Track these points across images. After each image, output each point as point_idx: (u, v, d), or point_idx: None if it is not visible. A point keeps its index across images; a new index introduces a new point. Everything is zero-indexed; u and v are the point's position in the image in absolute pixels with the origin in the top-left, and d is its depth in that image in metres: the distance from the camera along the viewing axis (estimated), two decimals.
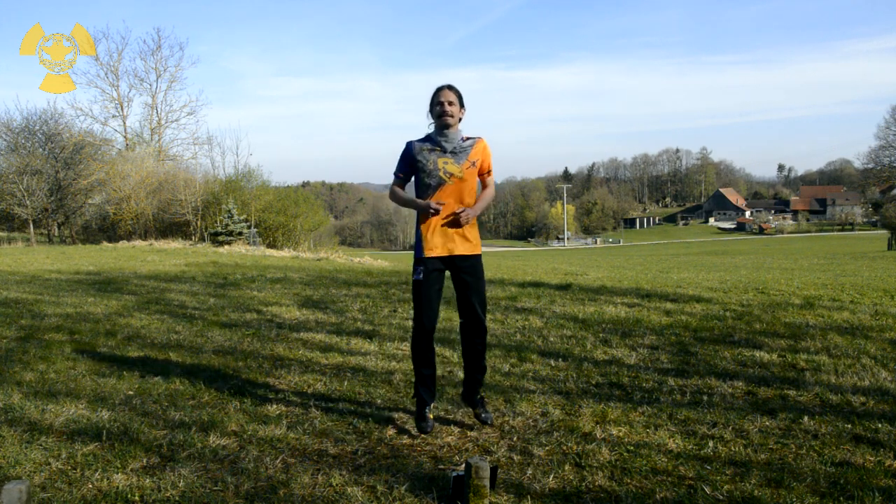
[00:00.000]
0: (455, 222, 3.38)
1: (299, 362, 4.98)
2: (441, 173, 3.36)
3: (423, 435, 3.40)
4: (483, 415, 3.54)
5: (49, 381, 4.43)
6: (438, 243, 3.39)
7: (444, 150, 3.38)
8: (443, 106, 3.35)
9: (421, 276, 3.39)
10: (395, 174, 3.51)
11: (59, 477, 2.88)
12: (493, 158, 3.53)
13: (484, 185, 3.57)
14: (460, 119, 3.45)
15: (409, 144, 3.46)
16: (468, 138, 3.46)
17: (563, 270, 14.56)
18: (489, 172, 3.54)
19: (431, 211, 3.32)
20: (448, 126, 3.37)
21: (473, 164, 3.41)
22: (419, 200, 3.40)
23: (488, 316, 6.81)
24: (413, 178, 3.51)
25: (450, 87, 3.40)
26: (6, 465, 3.01)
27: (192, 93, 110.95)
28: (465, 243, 3.42)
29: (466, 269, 3.43)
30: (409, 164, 3.45)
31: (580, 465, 3.00)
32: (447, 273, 3.51)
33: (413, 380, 3.95)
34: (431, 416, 3.53)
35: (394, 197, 3.59)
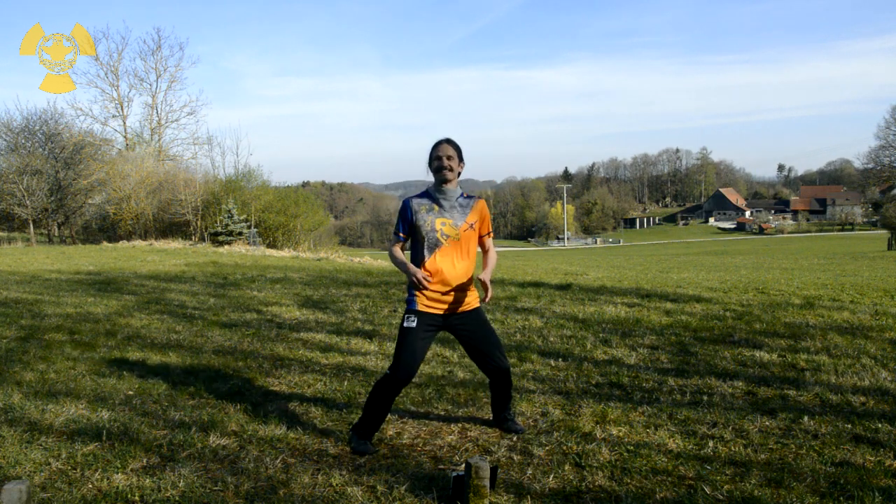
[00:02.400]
0: (455, 294, 3.26)
1: (299, 362, 4.98)
2: (438, 235, 3.25)
3: (357, 454, 3.20)
4: (511, 425, 3.50)
5: (49, 381, 4.43)
6: (432, 303, 3.27)
7: (441, 209, 3.27)
8: (441, 161, 3.24)
9: (415, 324, 3.20)
10: (395, 233, 3.37)
11: (59, 477, 2.88)
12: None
13: (484, 249, 3.45)
14: (459, 174, 3.35)
15: (407, 203, 3.33)
16: (468, 196, 3.35)
17: (563, 270, 14.56)
18: (488, 234, 3.42)
19: (420, 286, 3.20)
20: (447, 181, 3.26)
21: (472, 226, 3.30)
22: (411, 268, 3.24)
23: (488, 317, 6.82)
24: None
25: (449, 142, 3.29)
26: (6, 465, 3.01)
27: (192, 93, 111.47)
28: (460, 302, 3.29)
29: (466, 324, 3.31)
30: (409, 224, 3.31)
31: (580, 465, 3.00)
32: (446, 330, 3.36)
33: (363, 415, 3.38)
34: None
35: (391, 257, 3.46)
